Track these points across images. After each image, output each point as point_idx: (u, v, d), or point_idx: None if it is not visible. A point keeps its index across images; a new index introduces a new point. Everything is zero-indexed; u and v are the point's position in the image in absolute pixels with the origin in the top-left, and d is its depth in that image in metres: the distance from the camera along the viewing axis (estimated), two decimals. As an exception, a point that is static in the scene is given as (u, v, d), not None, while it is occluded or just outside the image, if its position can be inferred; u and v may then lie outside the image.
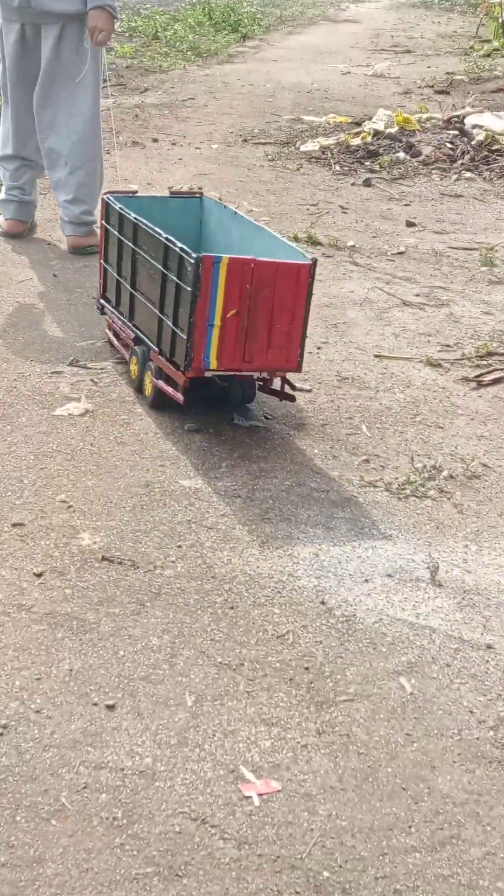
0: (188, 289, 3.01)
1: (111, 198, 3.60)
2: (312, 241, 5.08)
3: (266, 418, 3.30)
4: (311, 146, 7.17)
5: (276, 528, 2.74)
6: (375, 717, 2.13)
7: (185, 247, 3.06)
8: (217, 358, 3.06)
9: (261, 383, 3.30)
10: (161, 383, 3.20)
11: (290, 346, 3.11)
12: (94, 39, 4.37)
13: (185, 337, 3.04)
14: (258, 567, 2.56)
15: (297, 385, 3.46)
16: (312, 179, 6.43)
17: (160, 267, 3.15)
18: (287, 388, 3.29)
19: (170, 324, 3.12)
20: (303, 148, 7.16)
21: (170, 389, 3.16)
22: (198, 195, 3.81)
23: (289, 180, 6.36)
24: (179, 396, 3.12)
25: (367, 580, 2.56)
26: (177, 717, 2.08)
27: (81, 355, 3.64)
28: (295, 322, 3.09)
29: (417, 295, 4.53)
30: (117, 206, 3.50)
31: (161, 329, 3.17)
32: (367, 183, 6.38)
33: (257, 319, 3.06)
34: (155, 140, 7.04)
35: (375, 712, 2.15)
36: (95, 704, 2.09)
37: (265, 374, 3.22)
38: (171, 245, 3.11)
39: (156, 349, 3.21)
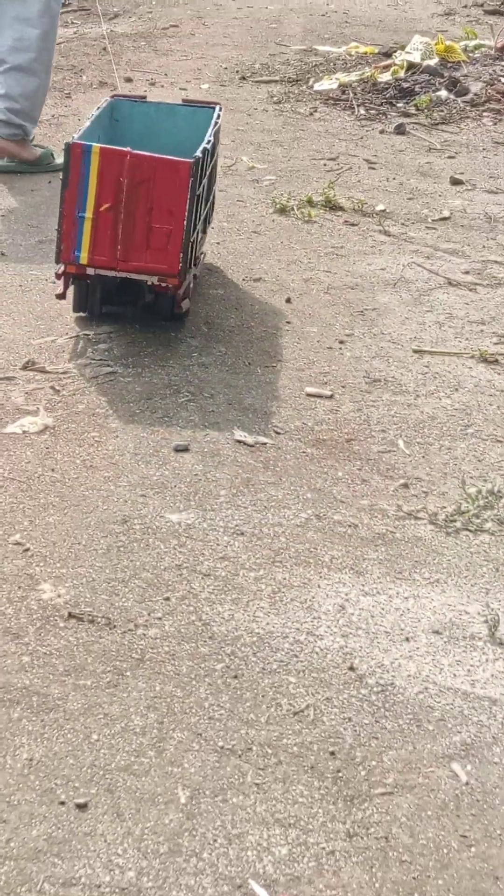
0: (62, 176, 3.62)
1: (113, 101, 4.15)
2: (331, 205, 5.11)
3: (276, 433, 3.31)
4: (327, 84, 7.20)
5: (290, 573, 2.74)
6: (422, 814, 2.14)
7: (77, 136, 3.69)
8: (89, 253, 3.60)
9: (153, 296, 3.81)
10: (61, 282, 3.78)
11: (171, 249, 3.60)
12: None
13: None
14: (268, 624, 2.57)
15: (315, 389, 3.49)
16: (330, 126, 6.46)
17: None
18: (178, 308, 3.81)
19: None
20: (317, 87, 7.19)
21: (60, 286, 3.77)
22: (213, 105, 4.29)
23: (300, 128, 6.39)
24: (59, 288, 3.77)
25: (407, 639, 2.56)
26: (167, 819, 2.08)
27: (38, 356, 3.66)
28: (176, 223, 3.58)
29: (467, 272, 4.55)
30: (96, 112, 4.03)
31: None
32: (399, 130, 6.41)
33: (134, 216, 3.58)
34: (128, 80, 7.09)
35: (421, 808, 2.15)
36: (63, 803, 2.09)
37: (155, 282, 3.67)
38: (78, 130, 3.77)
39: None
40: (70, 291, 3.83)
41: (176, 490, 3.03)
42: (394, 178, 5.64)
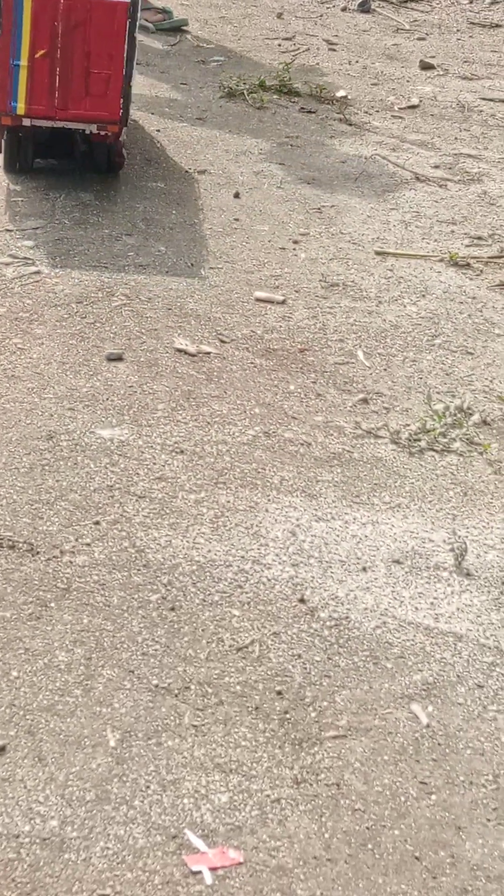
0: None
1: None
2: (286, 90, 5.06)
3: (221, 341, 3.29)
4: (283, -45, 7.11)
5: (235, 495, 2.73)
6: (377, 759, 2.14)
7: None
8: (26, 102, 3.76)
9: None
10: None
11: (111, 94, 3.79)
12: None
13: None
14: (210, 551, 2.56)
15: (265, 294, 3.48)
16: (286, 2, 6.39)
17: None
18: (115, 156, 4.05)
19: None
20: (272, -42, 7.10)
21: None
22: None
23: (252, 3, 6.32)
24: None
25: (364, 569, 2.56)
26: (94, 763, 2.07)
27: (-46, 253, 3.61)
28: (115, 67, 3.78)
29: (437, 166, 4.53)
30: None
31: None
32: (364, 7, 6.34)
33: (72, 62, 3.76)
34: None
35: (377, 753, 2.15)
36: (-22, 747, 2.09)
37: (94, 130, 3.85)
38: None
39: None
40: None
41: (108, 403, 3.00)
42: (357, 62, 5.59)
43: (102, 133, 3.86)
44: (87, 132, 3.89)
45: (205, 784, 2.06)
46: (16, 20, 3.71)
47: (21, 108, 3.79)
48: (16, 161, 4.04)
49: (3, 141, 3.96)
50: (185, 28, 5.72)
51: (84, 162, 4.04)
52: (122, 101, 3.81)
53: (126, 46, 3.78)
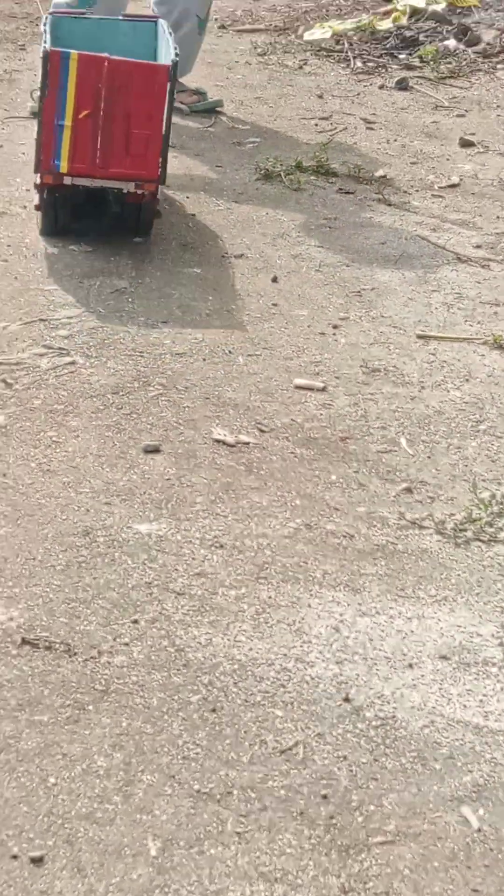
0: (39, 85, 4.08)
1: (48, 17, 4.50)
2: (324, 171, 5.10)
3: (260, 431, 3.31)
4: (319, 33, 7.20)
5: (276, 591, 2.74)
6: (427, 865, 2.13)
7: (48, 40, 4.12)
8: (69, 161, 4.06)
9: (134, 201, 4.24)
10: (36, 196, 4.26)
11: (150, 155, 4.09)
12: None
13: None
14: (251, 649, 2.57)
15: (305, 381, 3.50)
16: (322, 81, 6.47)
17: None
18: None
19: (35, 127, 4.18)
20: (308, 36, 7.19)
21: (36, 197, 4.24)
22: (153, 18, 4.81)
23: (288, 83, 6.39)
24: (35, 199, 4.25)
25: (411, 665, 2.56)
26: (135, 874, 2.07)
27: (-12, 345, 3.65)
28: (154, 128, 4.07)
29: (478, 246, 4.56)
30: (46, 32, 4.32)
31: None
32: (402, 85, 6.41)
33: (113, 123, 4.05)
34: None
35: (427, 859, 2.14)
36: (15, 857, 2.08)
37: (132, 188, 4.13)
38: (44, 41, 4.13)
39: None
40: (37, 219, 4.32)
41: (145, 497, 3.02)
42: (395, 140, 5.64)
43: (139, 192, 4.13)
44: (125, 191, 4.14)
45: (249, 894, 2.05)
46: (61, 82, 4.01)
47: (63, 166, 4.08)
48: (52, 223, 4.28)
49: (42, 202, 4.23)
50: (219, 109, 5.79)
51: (116, 224, 4.33)
52: (160, 160, 4.10)
53: (167, 108, 4.06)
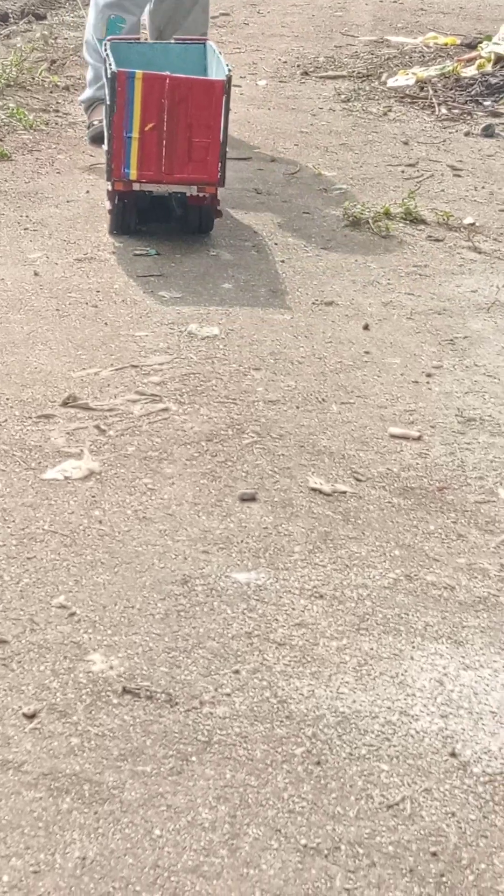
0: (108, 102, 4.66)
1: (108, 44, 4.99)
2: (412, 218, 5.12)
3: (357, 480, 3.31)
4: (403, 80, 7.24)
5: (378, 642, 2.73)
6: (541, 926, 2.11)
7: (113, 63, 4.64)
8: (137, 169, 4.60)
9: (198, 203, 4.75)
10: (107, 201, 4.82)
11: (210, 160, 4.61)
12: None
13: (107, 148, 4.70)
14: (354, 702, 2.56)
15: (400, 430, 3.50)
16: (407, 128, 6.49)
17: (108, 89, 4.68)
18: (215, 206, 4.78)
19: (105, 139, 4.80)
20: (391, 83, 7.23)
21: (108, 203, 4.79)
22: (202, 41, 5.29)
23: (373, 129, 6.42)
24: (108, 205, 4.80)
25: (518, 720, 2.54)
26: (243, 929, 2.06)
27: (80, 391, 3.67)
28: (213, 136, 4.59)
29: None
30: (105, 53, 4.88)
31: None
32: (488, 132, 6.42)
33: (176, 133, 4.58)
34: (175, 75, 7.15)
35: (541, 920, 2.12)
36: (121, 910, 2.08)
37: (195, 192, 4.65)
38: (109, 64, 4.68)
39: None
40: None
41: (243, 546, 3.02)
42: (483, 187, 5.65)
43: (201, 195, 4.66)
44: (188, 194, 4.66)
45: None
46: (128, 98, 4.55)
47: (133, 174, 4.62)
48: (121, 224, 4.80)
49: (112, 207, 4.76)
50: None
51: (179, 225, 4.84)
52: (220, 164, 4.62)
53: (223, 118, 4.58)
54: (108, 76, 4.64)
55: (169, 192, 4.72)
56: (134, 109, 4.57)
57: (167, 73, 4.61)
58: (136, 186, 4.65)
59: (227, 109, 4.63)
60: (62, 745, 2.40)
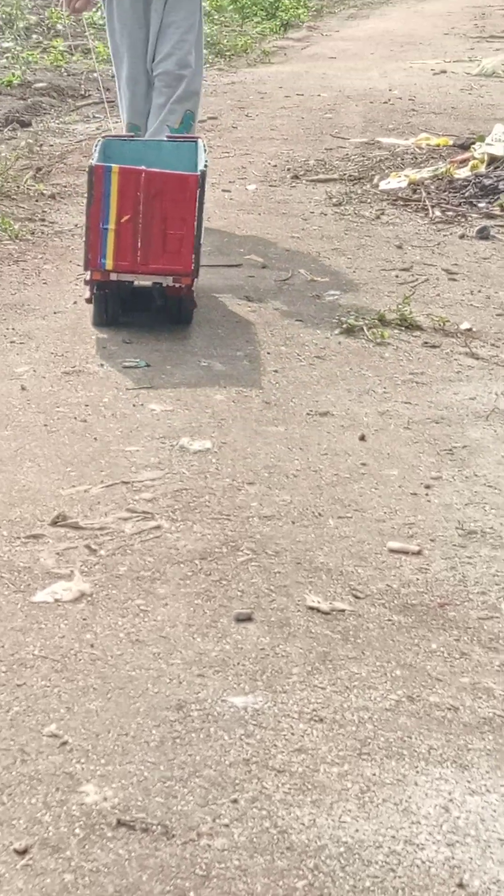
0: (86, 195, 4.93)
1: (101, 140, 5.33)
2: (407, 324, 5.17)
3: (355, 597, 3.31)
4: (395, 182, 7.34)
5: (380, 767, 2.72)
6: None
7: (95, 157, 5.02)
8: (113, 259, 4.88)
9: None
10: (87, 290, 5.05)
11: (184, 252, 4.88)
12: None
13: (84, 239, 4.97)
14: (357, 831, 2.54)
15: (399, 544, 3.51)
16: (401, 231, 6.56)
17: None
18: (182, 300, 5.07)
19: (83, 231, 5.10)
20: (383, 185, 7.33)
21: (87, 292, 5.04)
22: (193, 139, 5.52)
23: (365, 233, 6.50)
24: (86, 293, 5.05)
25: (527, 847, 2.53)
26: None
27: (70, 509, 3.69)
28: (187, 229, 4.86)
29: None
30: (95, 152, 5.17)
31: None
32: (483, 234, 6.49)
33: (151, 226, 4.86)
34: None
35: None
36: None
37: (170, 282, 4.92)
38: (92, 159, 5.01)
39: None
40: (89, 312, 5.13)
41: (239, 668, 3.02)
42: (479, 291, 5.70)
43: (177, 285, 4.92)
44: (164, 284, 4.92)
45: None
46: (105, 191, 4.84)
47: (109, 264, 4.89)
48: (103, 314, 5.06)
49: (93, 298, 5.00)
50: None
51: (160, 315, 5.10)
52: (193, 256, 4.88)
53: (197, 211, 4.84)
54: (88, 168, 4.93)
55: (148, 282, 4.98)
56: (110, 202, 4.85)
57: (143, 167, 4.89)
58: (112, 276, 4.91)
59: (202, 203, 4.90)
60: (55, 883, 2.39)
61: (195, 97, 6.28)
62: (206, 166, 5.01)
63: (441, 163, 7.60)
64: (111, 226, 4.86)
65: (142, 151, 5.40)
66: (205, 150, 5.30)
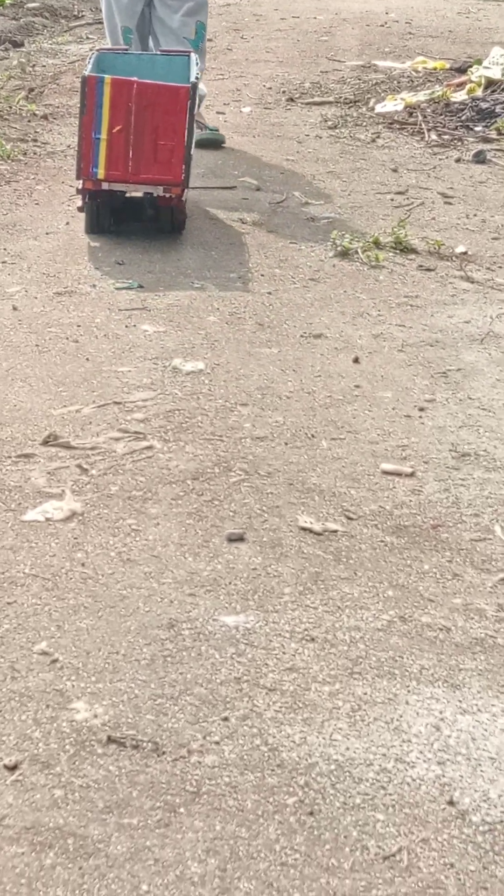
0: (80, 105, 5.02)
1: (95, 53, 5.47)
2: (402, 247, 5.14)
3: (348, 518, 3.30)
4: (391, 105, 7.28)
5: (372, 687, 2.72)
6: None
7: (88, 68, 5.13)
8: (105, 169, 4.95)
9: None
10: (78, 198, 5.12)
11: (174, 162, 4.95)
12: None
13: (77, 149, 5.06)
14: (348, 749, 2.54)
15: (393, 466, 3.50)
16: (396, 155, 6.52)
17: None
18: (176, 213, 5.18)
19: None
20: (379, 108, 7.27)
21: (79, 201, 5.11)
22: (186, 53, 5.60)
23: (361, 157, 6.45)
24: (78, 202, 5.14)
25: (517, 766, 2.53)
26: None
27: (61, 429, 3.67)
28: (178, 140, 4.94)
29: None
30: (89, 64, 5.27)
31: None
32: (479, 157, 6.45)
33: (143, 136, 4.95)
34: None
35: None
36: None
37: (161, 192, 4.99)
38: (85, 70, 5.11)
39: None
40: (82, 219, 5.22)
41: (231, 588, 3.01)
42: (475, 215, 5.67)
43: (167, 195, 5.01)
44: (155, 195, 5.00)
45: None
46: (97, 102, 4.93)
47: (101, 173, 4.97)
48: (95, 222, 5.17)
49: (84, 206, 5.10)
50: (223, 145, 6.45)
51: (151, 224, 5.19)
52: (183, 167, 4.96)
53: (187, 122, 4.93)
54: (80, 79, 5.02)
55: (139, 192, 5.05)
56: (103, 112, 4.94)
57: (135, 78, 4.98)
58: (104, 185, 4.99)
59: (192, 114, 4.99)
60: (45, 798, 2.39)
61: (204, 8, 6.31)
62: (197, 78, 5.11)
63: (438, 86, 7.55)
64: (103, 136, 4.94)
65: (135, 64, 5.46)
66: (197, 64, 5.39)
